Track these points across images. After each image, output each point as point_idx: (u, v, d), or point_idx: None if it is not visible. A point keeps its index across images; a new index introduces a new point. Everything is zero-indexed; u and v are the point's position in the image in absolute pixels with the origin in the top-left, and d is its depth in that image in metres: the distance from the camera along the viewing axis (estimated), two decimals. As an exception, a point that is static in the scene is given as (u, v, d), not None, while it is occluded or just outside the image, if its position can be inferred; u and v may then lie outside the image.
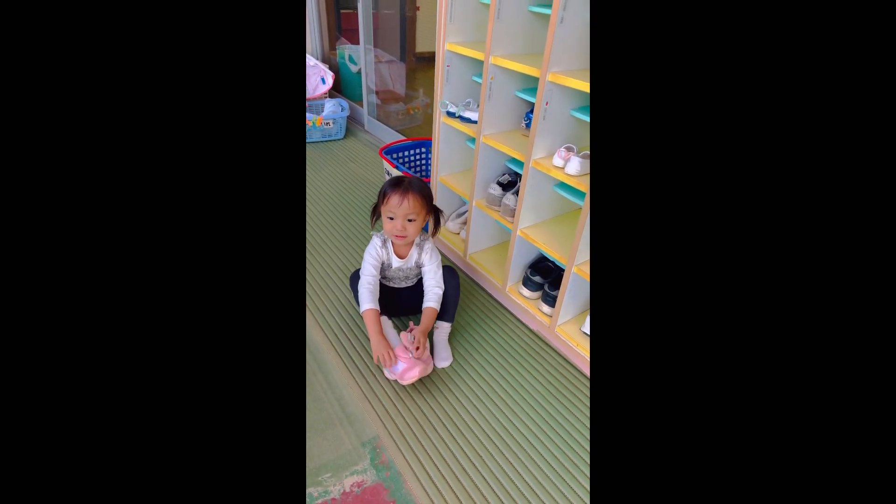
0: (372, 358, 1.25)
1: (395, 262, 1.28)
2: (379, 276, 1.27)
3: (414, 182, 1.19)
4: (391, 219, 1.18)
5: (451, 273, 1.31)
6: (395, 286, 1.35)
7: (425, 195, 1.19)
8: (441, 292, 1.27)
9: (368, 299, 1.20)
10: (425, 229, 1.29)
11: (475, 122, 1.39)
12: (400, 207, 1.16)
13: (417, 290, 1.32)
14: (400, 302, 1.34)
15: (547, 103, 1.13)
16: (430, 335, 1.30)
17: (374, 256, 1.25)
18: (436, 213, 1.26)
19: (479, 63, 1.41)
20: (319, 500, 0.93)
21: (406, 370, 1.11)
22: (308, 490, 0.95)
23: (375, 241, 1.26)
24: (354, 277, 1.32)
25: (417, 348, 1.13)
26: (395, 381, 1.19)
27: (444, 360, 1.25)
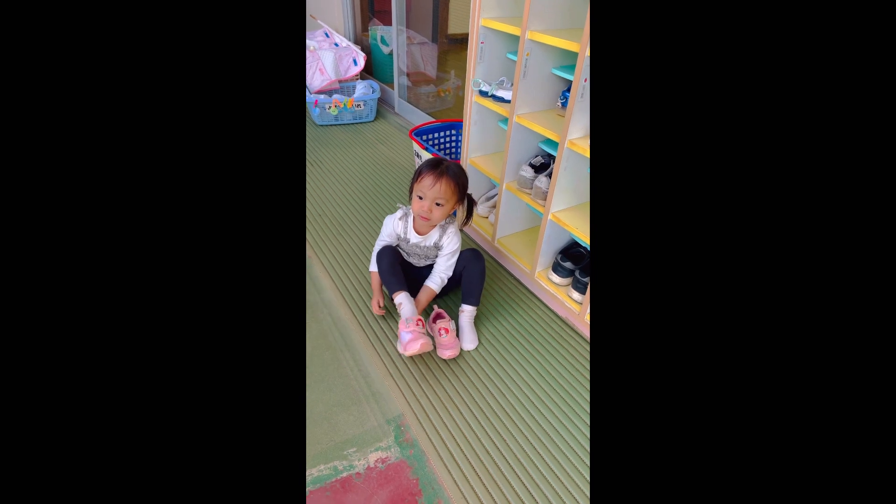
0: (397, 333, 1.26)
1: (413, 238, 1.27)
2: (392, 244, 1.30)
3: (452, 167, 1.17)
4: (420, 198, 1.17)
5: (475, 256, 1.29)
6: (415, 263, 1.35)
7: (459, 182, 1.17)
8: (446, 279, 1.28)
9: (375, 266, 1.30)
10: (454, 213, 1.28)
11: (508, 102, 1.35)
12: (431, 189, 1.14)
13: None
14: (419, 282, 1.33)
15: (586, 80, 1.08)
16: (456, 319, 1.29)
17: (387, 233, 1.29)
18: (469, 202, 1.24)
19: (515, 39, 1.36)
20: (345, 474, 0.95)
21: (410, 341, 1.12)
22: (333, 463, 0.97)
23: (396, 214, 1.27)
24: (380, 255, 1.31)
25: (418, 323, 1.19)
26: (420, 358, 1.20)
27: (469, 342, 1.24)
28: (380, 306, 1.29)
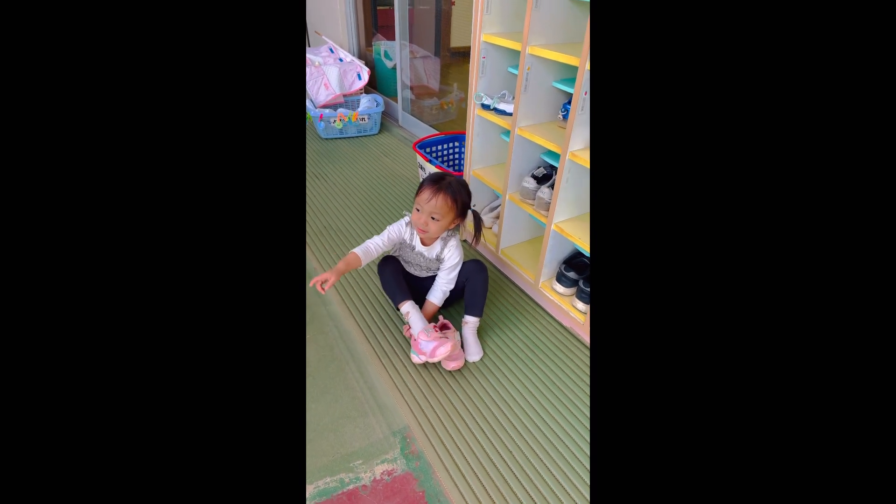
0: (403, 345, 1.26)
1: (418, 247, 1.28)
2: (385, 249, 1.26)
3: (453, 183, 1.18)
4: (418, 210, 1.19)
5: (478, 267, 1.29)
6: (415, 273, 1.36)
7: (458, 200, 1.18)
8: (448, 291, 1.28)
9: (360, 249, 1.21)
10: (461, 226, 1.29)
11: (510, 115, 1.37)
12: (427, 203, 1.16)
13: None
14: (421, 293, 1.34)
15: (586, 93, 1.10)
16: (460, 329, 1.30)
17: (389, 238, 1.25)
18: (476, 220, 1.25)
19: (516, 54, 1.39)
20: (351, 486, 0.95)
21: (437, 346, 1.13)
22: (340, 475, 0.97)
23: (404, 219, 1.28)
24: (382, 264, 1.33)
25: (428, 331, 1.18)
26: (425, 369, 1.20)
27: (474, 354, 1.24)
28: (322, 284, 1.10)
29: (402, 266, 1.34)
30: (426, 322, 1.21)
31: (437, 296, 1.29)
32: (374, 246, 1.24)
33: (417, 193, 1.19)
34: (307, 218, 1.87)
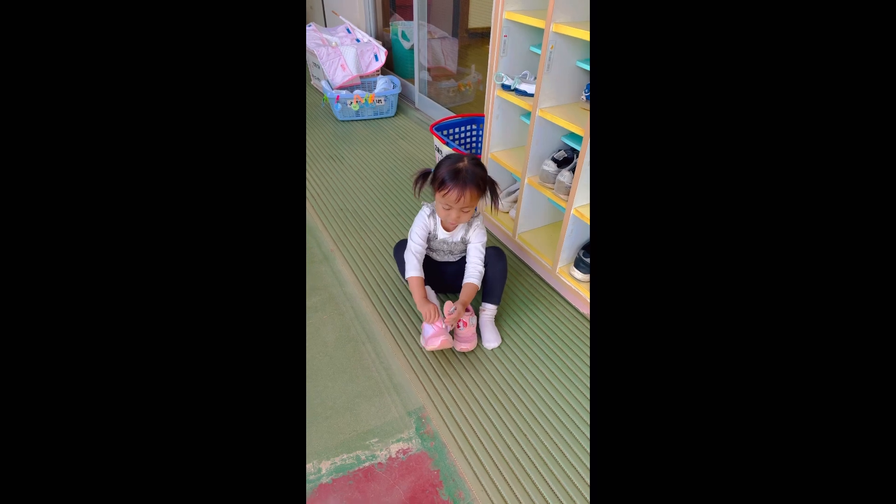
0: (417, 326, 1.26)
1: (441, 234, 1.27)
2: (426, 247, 1.28)
3: (471, 172, 1.15)
4: (447, 208, 1.17)
5: (498, 254, 1.28)
6: (439, 259, 1.35)
7: (479, 185, 1.16)
8: (482, 270, 1.26)
9: (415, 267, 1.23)
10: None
11: (531, 96, 1.34)
12: (457, 203, 1.14)
13: (461, 266, 1.31)
14: (444, 278, 1.34)
15: (612, 73, 1.06)
16: (477, 315, 1.29)
17: (422, 227, 1.26)
18: (492, 187, 1.22)
19: (539, 32, 1.35)
20: (367, 463, 0.97)
21: (432, 336, 1.14)
22: (356, 453, 0.98)
23: (424, 211, 1.27)
24: (398, 247, 1.32)
25: (450, 316, 1.19)
26: (440, 354, 1.20)
27: (491, 341, 1.24)
28: (428, 317, 1.17)
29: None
30: (437, 306, 1.20)
31: (473, 275, 1.25)
32: (418, 252, 1.25)
33: (440, 191, 1.15)
34: (323, 200, 1.87)
